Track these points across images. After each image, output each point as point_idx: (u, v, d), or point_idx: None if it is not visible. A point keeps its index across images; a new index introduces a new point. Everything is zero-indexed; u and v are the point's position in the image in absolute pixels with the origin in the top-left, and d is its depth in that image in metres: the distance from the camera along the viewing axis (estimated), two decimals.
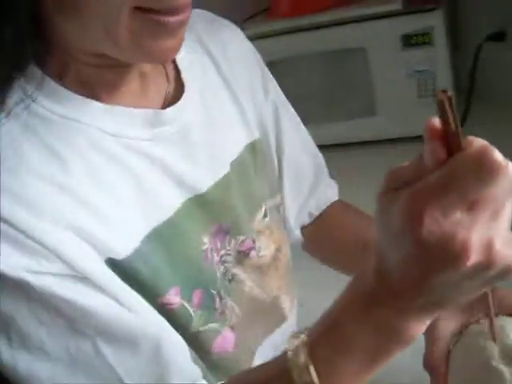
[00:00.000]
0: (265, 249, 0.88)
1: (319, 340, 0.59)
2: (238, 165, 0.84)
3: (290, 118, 1.00)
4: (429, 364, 0.75)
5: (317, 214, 1.03)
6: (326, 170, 1.06)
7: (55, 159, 0.66)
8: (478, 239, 0.47)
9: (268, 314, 0.89)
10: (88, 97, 0.69)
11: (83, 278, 0.65)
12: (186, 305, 0.75)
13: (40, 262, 0.62)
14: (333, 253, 1.03)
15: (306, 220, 1.02)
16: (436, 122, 0.48)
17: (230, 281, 0.83)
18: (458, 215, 0.47)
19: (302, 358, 0.57)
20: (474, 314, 0.76)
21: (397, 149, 1.81)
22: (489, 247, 0.48)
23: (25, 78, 0.66)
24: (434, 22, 1.70)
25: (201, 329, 0.76)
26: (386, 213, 0.51)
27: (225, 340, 0.79)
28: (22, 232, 0.61)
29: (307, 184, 1.01)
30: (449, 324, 0.76)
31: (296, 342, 0.59)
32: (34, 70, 0.66)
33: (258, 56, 0.96)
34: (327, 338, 0.58)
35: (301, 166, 1.00)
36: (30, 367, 0.64)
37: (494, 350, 0.71)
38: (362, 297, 0.56)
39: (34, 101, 0.65)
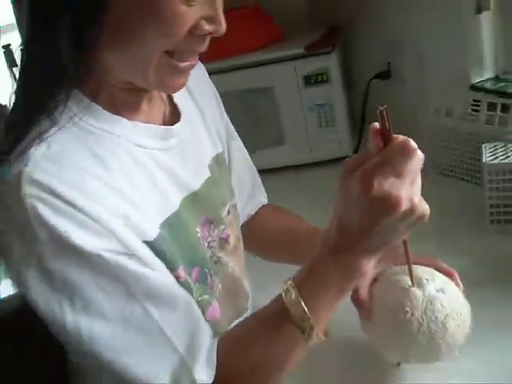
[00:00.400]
0: (231, 239, 1.06)
1: (303, 281, 0.83)
2: (211, 170, 1.03)
3: (236, 139, 1.21)
4: (356, 299, 0.97)
5: (252, 213, 1.24)
6: (259, 181, 1.28)
7: (98, 161, 0.80)
8: (405, 195, 0.74)
9: (241, 291, 1.07)
10: (114, 113, 0.85)
11: (133, 255, 0.78)
12: (189, 279, 0.89)
13: (103, 240, 0.76)
14: (263, 240, 1.22)
15: (244, 219, 1.22)
16: (377, 125, 0.76)
17: (215, 263, 0.99)
18: (392, 181, 0.74)
19: (294, 295, 0.81)
20: (385, 265, 1.01)
21: (303, 173, 1.99)
22: (411, 200, 0.74)
23: (65, 96, 0.80)
24: (330, 63, 1.89)
25: (199, 299, 0.90)
26: (346, 187, 0.77)
27: (214, 310, 0.94)
28: (89, 217, 0.75)
29: (246, 191, 1.21)
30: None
31: (286, 285, 0.83)
32: (76, 92, 0.82)
33: (214, 88, 1.16)
34: (309, 279, 0.83)
35: (243, 177, 1.19)
36: (91, 328, 0.76)
37: (407, 279, 0.95)
38: (331, 247, 0.82)
39: (79, 118, 0.80)
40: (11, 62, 2.33)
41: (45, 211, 0.72)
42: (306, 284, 0.83)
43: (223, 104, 1.19)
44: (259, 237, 1.21)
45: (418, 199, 0.75)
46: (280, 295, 0.82)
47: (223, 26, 0.82)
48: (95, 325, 0.77)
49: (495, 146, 1.39)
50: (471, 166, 1.56)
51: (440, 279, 0.97)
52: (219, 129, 1.14)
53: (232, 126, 1.21)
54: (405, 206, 0.74)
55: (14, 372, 1.00)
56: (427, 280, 0.95)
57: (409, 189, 0.74)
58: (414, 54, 1.90)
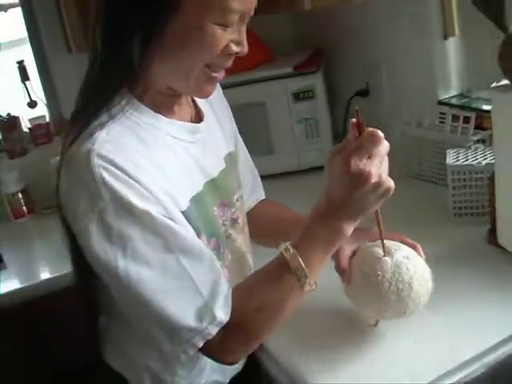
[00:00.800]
0: (240, 220, 1.28)
1: (299, 241, 1.05)
2: (226, 163, 1.25)
3: (241, 141, 1.43)
4: (339, 268, 1.19)
5: (252, 205, 1.45)
6: (259, 179, 1.50)
7: (145, 145, 1.03)
8: (374, 172, 0.97)
9: (246, 263, 1.29)
10: (155, 111, 1.08)
11: (171, 218, 1.00)
12: (208, 246, 1.12)
13: (150, 203, 0.98)
14: (257, 228, 1.38)
15: (246, 210, 1.40)
16: (354, 120, 1.01)
17: (227, 238, 1.22)
18: (365, 160, 0.97)
19: (292, 251, 1.04)
20: (361, 242, 1.23)
21: (292, 179, 2.19)
22: (379, 176, 0.98)
23: (119, 96, 1.04)
24: (316, 81, 2.11)
25: None
26: (331, 166, 1.01)
27: (224, 274, 1.13)
28: (141, 185, 0.97)
29: (248, 187, 1.43)
30: (348, 247, 1.21)
31: (286, 245, 1.05)
32: (126, 92, 1.05)
33: (226, 100, 1.39)
34: (303, 239, 1.06)
35: (246, 175, 1.41)
36: (138, 273, 0.97)
37: (378, 249, 1.17)
38: (321, 212, 1.05)
39: (130, 113, 1.03)
40: (24, 77, 2.49)
41: (109, 178, 0.95)
42: (300, 243, 1.05)
43: None
44: (255, 225, 1.38)
45: (384, 176, 0.99)
46: (281, 253, 1.05)
47: (246, 48, 1.07)
48: (141, 270, 0.98)
49: (458, 151, 1.62)
50: (438, 170, 1.79)
51: (405, 249, 1.19)
52: (230, 132, 1.37)
53: (237, 131, 1.43)
54: (374, 179, 0.97)
55: None
56: (395, 249, 1.17)
57: (377, 167, 0.98)
58: (389, 74, 2.13)
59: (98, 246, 0.98)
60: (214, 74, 1.07)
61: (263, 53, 2.32)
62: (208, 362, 1.19)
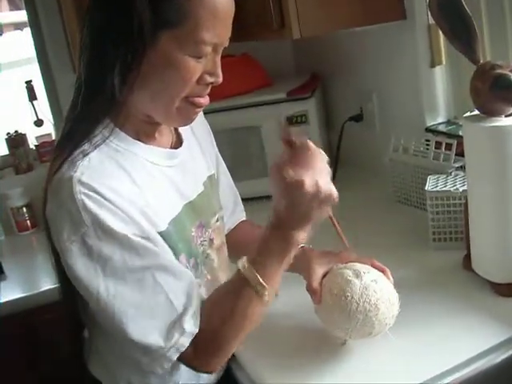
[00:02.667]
0: (216, 240, 1.33)
1: (254, 255, 1.10)
2: (205, 186, 1.31)
3: (222, 165, 1.48)
4: (310, 288, 1.24)
5: (232, 227, 1.50)
6: (239, 201, 1.55)
7: (124, 171, 1.10)
8: (309, 179, 1.02)
9: (221, 282, 1.32)
10: (135, 139, 1.14)
11: (148, 238, 1.07)
12: (187, 265, 1.20)
13: (128, 226, 1.05)
14: (236, 249, 1.41)
15: (226, 231, 1.47)
16: (284, 136, 1.07)
17: (206, 258, 1.28)
18: (298, 170, 1.02)
19: (247, 266, 1.09)
20: (332, 264, 1.27)
21: None
22: (316, 182, 1.02)
23: (101, 125, 1.10)
24: (309, 107, 2.15)
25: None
26: (271, 179, 1.05)
27: (202, 292, 1.19)
28: (120, 209, 1.04)
29: (229, 209, 1.48)
30: (320, 268, 1.27)
31: (242, 261, 1.10)
32: (107, 121, 1.11)
33: (207, 123, 1.44)
34: (258, 253, 1.10)
35: (227, 197, 1.47)
36: (115, 288, 1.04)
37: (348, 272, 1.22)
38: (272, 224, 1.09)
39: (110, 140, 1.10)
40: (31, 96, 2.58)
41: (90, 203, 1.02)
42: (256, 257, 1.11)
43: (217, 139, 1.47)
44: (234, 245, 1.44)
45: (323, 182, 1.04)
46: (238, 269, 1.11)
47: (220, 78, 1.12)
48: (118, 286, 1.05)
49: (438, 177, 1.66)
50: (421, 195, 1.83)
51: (374, 273, 1.24)
52: (211, 155, 1.43)
53: (219, 155, 1.48)
54: (309, 186, 1.02)
55: None
56: (364, 272, 1.22)
57: (312, 175, 1.03)
58: (380, 100, 2.19)
59: (80, 264, 1.05)
60: (198, 100, 1.12)
61: (261, 78, 2.37)
62: (182, 375, 1.23)
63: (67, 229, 1.03)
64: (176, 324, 1.08)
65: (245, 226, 1.54)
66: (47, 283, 2.06)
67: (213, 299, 1.16)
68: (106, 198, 1.03)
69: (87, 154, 1.06)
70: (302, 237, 1.10)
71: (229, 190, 1.50)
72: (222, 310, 1.12)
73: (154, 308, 1.07)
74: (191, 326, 1.09)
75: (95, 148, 1.08)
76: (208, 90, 1.13)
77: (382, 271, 1.27)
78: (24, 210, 2.52)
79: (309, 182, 1.02)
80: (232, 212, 1.51)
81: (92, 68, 1.09)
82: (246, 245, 1.43)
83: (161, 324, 1.07)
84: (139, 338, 1.07)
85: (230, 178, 1.53)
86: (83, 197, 1.02)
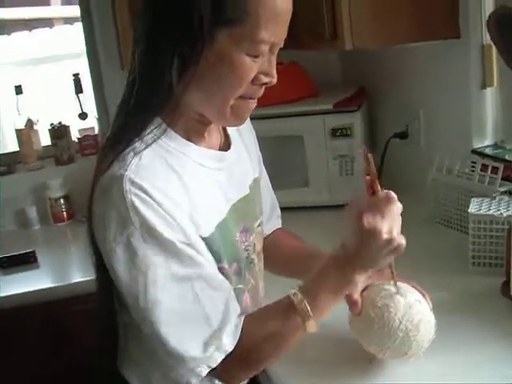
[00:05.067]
0: (257, 246, 1.32)
1: (310, 282, 1.12)
2: (250, 189, 1.29)
3: (264, 169, 1.46)
4: (350, 299, 1.21)
5: (268, 233, 1.47)
6: (277, 207, 1.53)
7: (174, 173, 1.08)
8: (386, 228, 1.04)
9: (259, 289, 1.33)
10: (185, 139, 1.13)
11: (193, 246, 1.06)
12: (230, 271, 1.18)
13: (175, 232, 1.03)
14: (272, 257, 1.41)
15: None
16: (367, 178, 1.10)
17: (250, 263, 1.27)
18: (378, 218, 1.04)
19: (299, 296, 1.10)
20: (374, 280, 1.25)
21: (323, 214, 2.20)
22: (391, 232, 1.05)
23: (152, 123, 1.09)
24: (354, 120, 2.14)
25: (236, 287, 1.18)
26: (349, 218, 1.07)
27: (246, 298, 1.22)
28: (168, 213, 1.03)
29: (267, 214, 1.45)
30: (360, 281, 1.21)
31: (295, 289, 1.11)
32: (158, 119, 1.09)
33: (252, 127, 1.42)
34: (315, 280, 1.13)
35: (264, 202, 1.43)
36: (155, 296, 1.03)
37: (392, 288, 1.21)
38: (336, 258, 1.12)
39: (161, 140, 1.08)
40: (78, 89, 2.61)
41: (139, 204, 1.01)
42: (310, 285, 1.12)
43: (259, 146, 1.45)
44: (269, 253, 1.40)
45: (396, 233, 1.07)
46: (290, 296, 1.11)
47: (275, 79, 1.11)
48: (158, 295, 1.04)
49: (482, 200, 1.63)
50: (463, 218, 1.79)
51: (418, 294, 1.23)
52: (256, 158, 1.41)
53: (261, 159, 1.47)
54: (385, 235, 1.05)
55: None
56: (408, 292, 1.22)
57: (389, 225, 1.06)
58: (427, 119, 2.15)
59: (123, 268, 1.04)
60: (249, 101, 1.11)
61: (307, 87, 2.36)
62: None
63: (114, 228, 1.02)
64: (213, 339, 1.07)
65: (281, 235, 1.52)
66: (78, 276, 2.08)
67: (261, 316, 1.16)
68: (155, 200, 1.02)
69: (138, 153, 1.05)
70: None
71: (267, 195, 1.48)
72: (267, 330, 1.12)
73: (191, 319, 1.07)
74: (228, 343, 1.08)
75: (146, 147, 1.07)
76: (262, 91, 1.12)
77: (422, 295, 1.25)
78: (61, 201, 2.54)
79: (385, 232, 1.06)
80: (269, 217, 1.49)
81: (148, 63, 1.08)
82: (281, 255, 1.46)
83: (197, 336, 1.07)
84: (175, 346, 1.06)
85: (269, 183, 1.51)
86: (133, 197, 1.01)
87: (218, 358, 1.08)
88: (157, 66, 1.05)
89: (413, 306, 1.19)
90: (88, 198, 1.09)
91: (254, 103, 1.13)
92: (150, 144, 1.07)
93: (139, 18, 1.11)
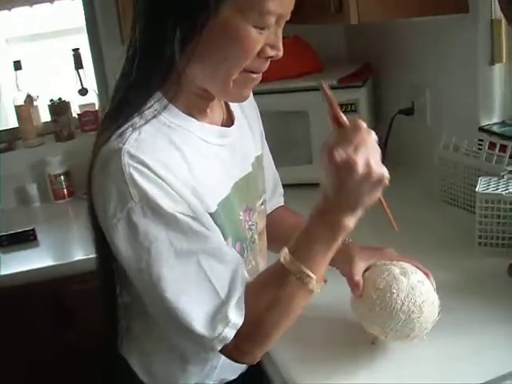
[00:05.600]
0: (259, 225, 1.30)
1: (298, 242, 1.06)
2: (253, 167, 1.26)
3: (266, 145, 1.43)
4: (351, 280, 1.20)
5: (269, 211, 1.44)
6: (280, 184, 1.50)
7: (175, 147, 1.05)
8: (362, 160, 0.96)
9: (260, 268, 1.29)
10: (187, 114, 1.10)
11: (196, 218, 1.03)
12: (233, 249, 1.14)
13: (177, 204, 1.00)
14: (272, 236, 1.38)
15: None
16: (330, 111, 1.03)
17: (253, 242, 1.24)
18: (350, 150, 0.97)
19: (288, 257, 1.05)
20: (376, 260, 1.23)
21: None
22: (368, 163, 0.97)
23: (152, 98, 1.05)
24: (360, 96, 2.10)
25: None
26: (321, 160, 1.00)
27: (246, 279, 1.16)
28: (169, 185, 1.00)
29: (269, 191, 1.43)
30: (362, 262, 1.22)
31: (283, 252, 1.06)
32: (159, 94, 1.06)
33: (255, 102, 1.38)
34: (303, 239, 1.06)
35: (267, 179, 1.41)
36: (159, 271, 1.00)
37: (395, 269, 1.18)
38: (319, 210, 1.05)
39: (161, 115, 1.05)
40: (77, 64, 2.57)
41: (138, 177, 0.98)
42: (300, 245, 1.06)
43: (263, 122, 1.42)
44: (271, 233, 1.38)
45: (374, 163, 0.98)
46: (279, 259, 1.06)
47: (281, 52, 1.07)
48: (162, 270, 1.01)
49: (490, 179, 1.60)
50: (470, 197, 1.76)
51: (421, 274, 1.20)
52: (258, 134, 1.38)
53: (264, 135, 1.43)
54: (361, 167, 0.97)
55: None
56: (411, 272, 1.18)
57: (364, 156, 0.97)
58: (433, 95, 2.12)
59: (124, 244, 1.01)
60: (253, 75, 1.08)
61: (312, 63, 2.32)
62: (221, 361, 1.20)
63: (113, 204, 0.99)
64: (220, 313, 1.03)
65: (282, 213, 1.49)
66: (79, 254, 2.06)
67: (256, 286, 1.10)
68: (156, 173, 0.99)
69: (137, 128, 1.02)
70: (352, 222, 1.05)
71: (269, 172, 1.45)
72: (268, 298, 1.07)
73: (197, 294, 1.03)
74: (236, 316, 1.04)
75: (146, 122, 1.04)
76: (267, 65, 1.08)
77: (425, 275, 1.22)
78: (62, 178, 2.52)
79: (360, 163, 0.97)
80: (271, 195, 1.46)
81: (149, 36, 1.04)
82: (281, 232, 1.40)
83: (204, 312, 1.03)
84: (184, 323, 1.03)
85: (272, 160, 1.48)
86: (132, 170, 0.98)
87: (228, 335, 1.04)
88: (158, 39, 1.02)
89: (415, 287, 1.15)
90: (87, 174, 1.06)
91: (257, 78, 1.09)
92: (150, 119, 1.04)
93: None
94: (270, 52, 1.06)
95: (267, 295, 1.07)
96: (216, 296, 1.04)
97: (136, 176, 0.98)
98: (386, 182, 1.00)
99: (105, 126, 1.07)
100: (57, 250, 2.18)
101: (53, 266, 2.01)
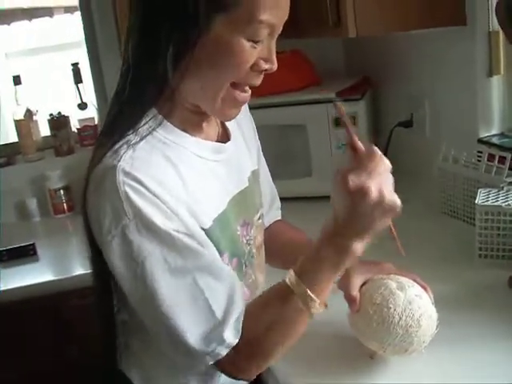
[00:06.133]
0: (258, 239, 1.29)
1: (305, 263, 1.06)
2: (249, 182, 1.26)
3: (263, 159, 1.43)
4: (348, 295, 1.19)
5: (266, 225, 1.42)
6: (277, 196, 1.49)
7: (171, 164, 1.04)
8: (375, 187, 0.96)
9: (260, 283, 1.29)
10: (182, 130, 1.09)
11: (192, 235, 1.02)
12: (230, 266, 1.13)
13: (172, 221, 1.00)
14: (269, 250, 1.36)
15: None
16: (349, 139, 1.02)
17: (252, 257, 1.24)
18: (364, 177, 0.97)
19: (295, 279, 1.04)
20: (374, 274, 1.23)
21: (326, 204, 2.15)
22: (381, 190, 0.97)
23: (147, 115, 1.05)
24: (359, 109, 2.10)
25: None
26: (334, 185, 1.00)
27: (244, 294, 1.16)
28: (163, 203, 0.99)
29: (266, 205, 1.42)
30: (359, 277, 1.22)
31: (289, 273, 1.05)
32: (154, 111, 1.06)
33: (251, 117, 1.38)
34: (310, 261, 1.06)
35: (264, 193, 1.40)
36: (153, 288, 0.99)
37: (392, 283, 1.18)
38: (328, 232, 1.04)
39: (156, 131, 1.04)
40: (77, 79, 2.57)
41: (133, 195, 0.97)
42: (306, 267, 1.06)
43: (261, 135, 1.41)
44: (268, 247, 1.37)
45: (387, 191, 0.98)
46: (283, 280, 1.06)
47: (275, 65, 1.06)
48: (157, 288, 1.00)
49: (489, 191, 1.59)
50: (470, 209, 1.76)
51: (418, 288, 1.19)
52: (254, 149, 1.37)
53: (260, 148, 1.43)
54: (374, 194, 0.97)
55: None
56: (408, 286, 1.18)
57: (377, 183, 0.98)
58: (432, 107, 2.12)
59: (119, 261, 1.01)
60: (242, 94, 1.08)
61: (310, 76, 2.33)
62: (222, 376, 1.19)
63: (108, 221, 0.99)
64: (215, 332, 1.03)
65: (279, 227, 1.48)
66: (79, 268, 2.05)
67: (258, 305, 1.11)
68: (150, 191, 0.99)
69: (132, 144, 1.02)
70: (360, 248, 1.04)
71: (266, 185, 1.44)
72: (268, 318, 1.07)
73: (193, 313, 1.03)
74: (231, 336, 1.04)
75: (141, 139, 1.03)
76: (261, 79, 1.08)
77: (423, 288, 1.22)
78: (61, 192, 2.52)
79: (374, 190, 0.97)
80: (269, 209, 1.45)
81: (142, 52, 1.04)
82: (278, 247, 1.42)
83: (199, 330, 1.03)
84: (176, 339, 1.03)
85: (269, 173, 1.47)
86: (127, 188, 0.97)
87: (221, 352, 1.04)
88: (151, 56, 1.02)
89: (413, 301, 1.15)
90: (82, 191, 1.06)
91: (246, 98, 1.09)
92: (145, 136, 1.04)
93: (132, 6, 1.07)
94: (264, 65, 1.05)
95: (268, 316, 1.07)
96: (212, 316, 1.03)
97: (131, 193, 0.97)
98: (398, 210, 1.00)
99: (100, 142, 1.07)
100: (57, 265, 2.17)
101: (53, 281, 2.00)
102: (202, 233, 1.06)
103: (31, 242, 2.19)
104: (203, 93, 1.07)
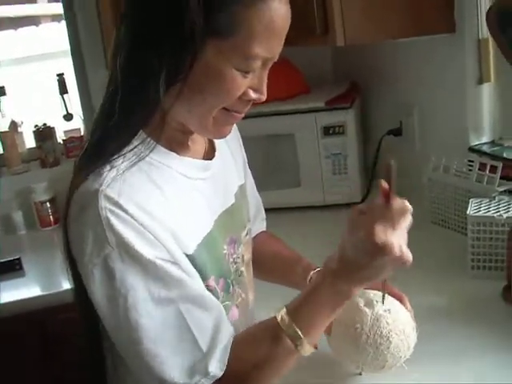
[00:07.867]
0: (246, 256, 1.25)
1: (298, 306, 1.03)
2: (236, 198, 1.23)
3: (249, 170, 1.40)
4: None
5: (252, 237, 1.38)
6: (262, 207, 1.47)
7: (155, 187, 1.00)
8: (397, 244, 0.94)
9: (249, 300, 1.26)
10: (168, 149, 1.05)
11: (176, 263, 0.98)
12: (217, 288, 1.10)
13: (156, 249, 0.96)
14: (257, 261, 1.35)
15: None
16: (385, 186, 0.97)
17: (239, 276, 1.20)
18: (389, 232, 0.94)
19: (286, 320, 1.01)
20: None
21: (316, 214, 2.16)
22: (401, 247, 0.95)
23: (135, 139, 1.01)
24: (347, 118, 2.09)
25: (222, 304, 1.08)
26: (353, 227, 0.97)
27: (233, 314, 1.14)
28: (147, 230, 0.95)
29: (251, 217, 1.38)
30: None
31: (280, 313, 1.02)
32: (143, 134, 1.02)
33: (236, 127, 1.33)
34: (307, 300, 1.03)
35: (250, 205, 1.37)
36: (136, 321, 0.95)
37: (360, 300, 1.15)
38: (330, 274, 1.01)
39: (141, 151, 1.00)
40: (62, 90, 2.53)
41: (115, 222, 0.93)
42: (300, 309, 1.03)
43: (249, 145, 1.39)
44: (253, 258, 1.33)
45: (405, 248, 0.96)
46: (275, 318, 1.02)
47: (264, 96, 1.04)
48: (140, 319, 0.96)
49: (481, 201, 1.58)
50: (461, 219, 1.74)
51: (388, 301, 1.16)
52: (241, 161, 1.35)
53: (246, 161, 1.40)
54: (395, 251, 0.94)
55: None
56: (377, 301, 1.15)
57: (401, 239, 0.95)
58: (421, 115, 2.10)
59: (101, 291, 0.97)
60: (235, 114, 1.04)
61: (299, 85, 2.31)
62: None
63: (90, 248, 0.95)
64: (200, 365, 0.99)
65: (264, 238, 1.46)
66: (66, 283, 2.00)
67: (248, 340, 1.08)
68: (132, 217, 0.95)
69: (115, 166, 0.98)
70: (358, 291, 1.03)
71: (252, 198, 1.41)
72: (256, 355, 1.04)
73: (177, 344, 0.99)
74: (216, 369, 1.00)
75: (131, 165, 0.99)
76: (247, 107, 1.05)
77: (399, 299, 1.20)
78: (48, 204, 2.48)
79: (396, 247, 0.94)
80: (253, 220, 1.42)
81: (131, 73, 0.99)
82: (262, 260, 1.40)
83: (183, 362, 0.99)
84: (158, 374, 0.98)
85: (254, 185, 1.45)
86: (108, 214, 0.93)
87: (206, 383, 1.00)
88: (141, 77, 0.98)
89: (380, 318, 1.13)
90: (63, 211, 1.02)
91: (238, 117, 1.06)
92: (135, 162, 1.00)
93: (123, 20, 1.02)
94: (253, 95, 1.02)
95: (256, 353, 1.04)
96: (197, 348, 0.99)
97: (113, 220, 0.94)
98: (408, 264, 0.98)
99: (82, 163, 1.03)
100: (43, 280, 2.14)
101: (39, 296, 1.97)
102: (186, 260, 1.03)
103: (17, 257, 2.14)
104: (190, 116, 1.04)
